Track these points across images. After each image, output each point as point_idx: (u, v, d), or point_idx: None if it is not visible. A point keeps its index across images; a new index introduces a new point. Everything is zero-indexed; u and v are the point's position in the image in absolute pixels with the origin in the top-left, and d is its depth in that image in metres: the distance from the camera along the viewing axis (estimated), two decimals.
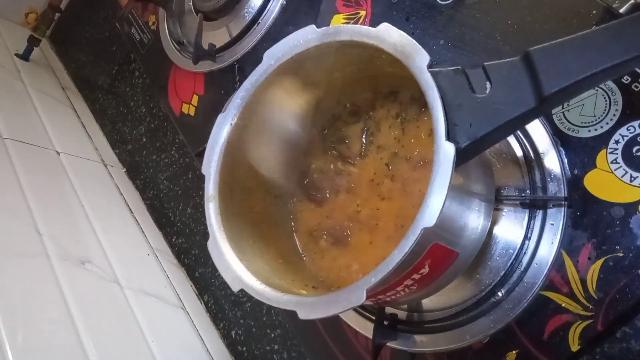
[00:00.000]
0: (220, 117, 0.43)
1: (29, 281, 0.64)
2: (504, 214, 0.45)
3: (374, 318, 0.50)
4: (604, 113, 0.43)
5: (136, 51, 0.87)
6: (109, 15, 1.12)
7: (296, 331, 0.63)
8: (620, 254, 0.40)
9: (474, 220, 0.38)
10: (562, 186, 0.44)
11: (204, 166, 0.42)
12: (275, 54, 0.41)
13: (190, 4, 0.77)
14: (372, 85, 0.45)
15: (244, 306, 0.76)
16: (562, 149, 0.44)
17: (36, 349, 0.57)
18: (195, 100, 0.76)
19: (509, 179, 0.46)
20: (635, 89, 0.42)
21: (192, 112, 0.76)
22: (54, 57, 1.21)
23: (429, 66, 0.32)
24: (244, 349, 0.74)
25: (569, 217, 0.43)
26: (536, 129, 0.46)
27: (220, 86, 0.73)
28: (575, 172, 0.43)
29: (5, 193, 0.74)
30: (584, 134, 0.44)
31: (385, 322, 0.47)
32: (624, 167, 0.41)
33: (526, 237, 0.44)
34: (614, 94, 0.43)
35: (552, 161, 0.45)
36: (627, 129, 0.41)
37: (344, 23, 0.61)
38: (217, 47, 0.72)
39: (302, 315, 0.32)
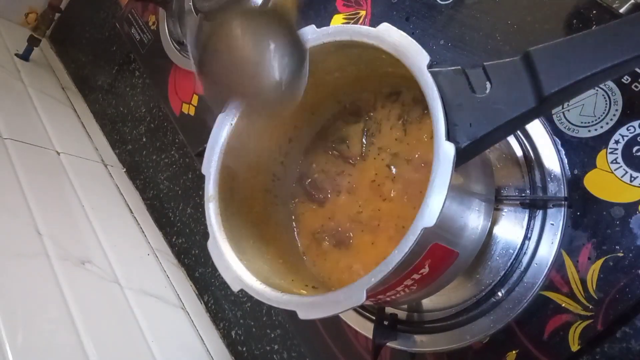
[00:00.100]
0: (220, 117, 0.43)
1: (29, 281, 0.64)
2: (504, 214, 0.45)
3: (374, 318, 0.50)
4: (604, 113, 0.43)
5: (136, 51, 0.87)
6: (109, 15, 1.12)
7: (296, 331, 0.63)
8: (620, 254, 0.40)
9: (474, 220, 0.38)
10: (562, 186, 0.44)
11: (204, 166, 0.42)
12: None
13: (190, 4, 0.77)
14: (372, 85, 0.45)
15: (244, 306, 0.76)
16: (562, 149, 0.44)
17: (36, 349, 0.57)
18: (195, 100, 0.76)
19: (509, 179, 0.46)
20: (635, 89, 0.42)
21: (192, 112, 0.76)
22: (54, 57, 1.22)
23: (429, 66, 0.32)
24: (244, 349, 0.74)
25: (569, 217, 0.43)
26: (536, 129, 0.46)
27: None
28: (575, 172, 0.43)
29: (5, 193, 0.74)
30: (584, 134, 0.44)
31: (385, 322, 0.47)
32: (624, 167, 0.41)
33: (526, 237, 0.44)
34: (614, 94, 0.43)
35: (552, 161, 0.45)
36: (627, 129, 0.41)
37: (344, 23, 0.61)
38: None
39: (302, 315, 0.32)
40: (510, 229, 0.45)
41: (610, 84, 0.43)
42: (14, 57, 1.08)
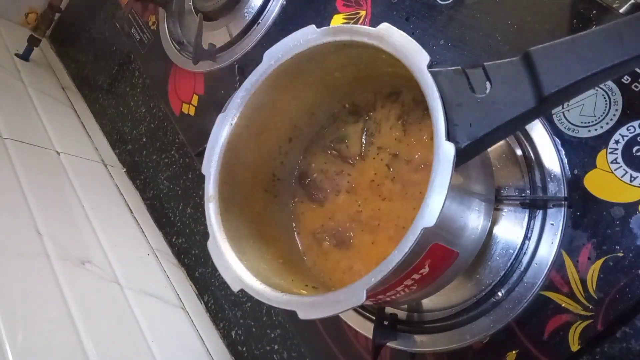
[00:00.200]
0: (220, 117, 0.43)
1: (29, 281, 0.64)
2: (504, 214, 0.45)
3: (374, 318, 0.50)
4: (604, 113, 0.43)
5: (136, 51, 0.87)
6: (109, 15, 1.12)
7: (296, 331, 0.63)
8: (620, 254, 0.40)
9: (474, 220, 0.38)
10: (562, 186, 0.44)
11: (204, 166, 0.42)
12: (275, 54, 0.41)
13: (190, 4, 0.77)
14: (372, 85, 0.45)
15: (244, 306, 0.76)
16: (562, 149, 0.44)
17: (36, 349, 0.57)
18: (195, 100, 0.76)
19: (509, 179, 0.46)
20: (635, 89, 0.42)
21: (192, 112, 0.76)
22: (54, 57, 1.22)
23: (429, 66, 0.32)
24: (244, 349, 0.74)
25: (569, 217, 0.43)
26: (536, 129, 0.46)
27: (220, 86, 0.73)
28: (575, 172, 0.43)
29: (5, 193, 0.74)
30: (584, 134, 0.44)
31: (385, 322, 0.47)
32: (624, 167, 0.41)
33: (526, 237, 0.44)
34: (614, 94, 0.43)
35: (552, 161, 0.45)
36: (627, 129, 0.41)
37: (344, 23, 0.61)
38: (217, 47, 0.72)
39: (302, 315, 0.32)
40: (510, 229, 0.45)
41: (610, 84, 0.43)
42: (14, 57, 1.08)
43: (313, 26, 0.39)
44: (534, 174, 0.45)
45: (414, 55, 0.33)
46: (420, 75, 0.32)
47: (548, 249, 0.43)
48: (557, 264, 0.42)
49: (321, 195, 0.47)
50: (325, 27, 0.38)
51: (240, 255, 0.38)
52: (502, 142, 0.48)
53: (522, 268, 0.44)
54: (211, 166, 0.41)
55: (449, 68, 0.32)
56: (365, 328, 0.51)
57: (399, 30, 0.34)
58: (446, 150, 0.30)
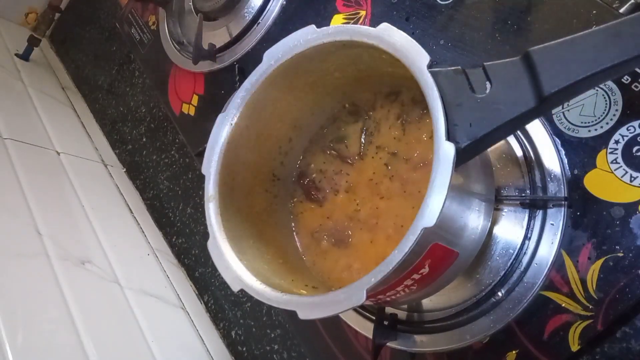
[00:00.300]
0: (220, 117, 0.43)
1: (29, 281, 0.64)
2: (504, 214, 0.45)
3: (374, 318, 0.50)
4: (604, 113, 0.43)
5: (136, 51, 0.87)
6: (109, 15, 1.12)
7: (296, 331, 0.63)
8: (620, 254, 0.40)
9: (474, 220, 0.38)
10: (562, 186, 0.44)
11: (204, 166, 0.42)
12: (275, 54, 0.41)
13: (190, 4, 0.77)
14: (372, 85, 0.45)
15: (244, 306, 0.76)
16: (562, 149, 0.44)
17: (36, 349, 0.57)
18: (195, 100, 0.76)
19: (509, 179, 0.46)
20: (635, 89, 0.42)
21: (192, 112, 0.76)
22: (54, 57, 1.22)
23: (429, 66, 0.32)
24: (244, 349, 0.74)
25: (569, 217, 0.43)
26: (536, 129, 0.46)
27: (220, 86, 0.73)
28: (575, 172, 0.43)
29: (5, 193, 0.74)
30: (584, 134, 0.44)
31: (385, 322, 0.47)
32: (624, 167, 0.41)
33: (526, 237, 0.44)
34: (614, 94, 0.43)
35: (552, 161, 0.45)
36: (627, 129, 0.41)
37: (344, 23, 0.61)
38: (217, 47, 0.72)
39: (302, 315, 0.32)
40: (510, 229, 0.45)
41: (610, 84, 0.43)
42: (14, 57, 1.08)
43: (313, 26, 0.39)
44: (534, 174, 0.45)
45: (414, 55, 0.33)
46: (420, 75, 0.32)
47: (548, 249, 0.43)
48: (557, 264, 0.42)
49: (320, 195, 0.47)
50: (325, 27, 0.38)
51: (240, 255, 0.38)
52: (502, 142, 0.48)
53: (522, 268, 0.44)
54: (211, 166, 0.41)
55: (449, 68, 0.32)
56: (365, 328, 0.51)
57: (399, 30, 0.34)
58: (446, 150, 0.30)
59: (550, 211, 0.44)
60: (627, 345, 0.39)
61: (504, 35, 0.49)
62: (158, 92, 0.82)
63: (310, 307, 0.33)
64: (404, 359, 0.49)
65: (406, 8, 0.57)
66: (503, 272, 0.44)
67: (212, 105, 0.74)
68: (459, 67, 0.32)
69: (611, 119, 0.42)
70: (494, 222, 0.45)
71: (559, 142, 0.45)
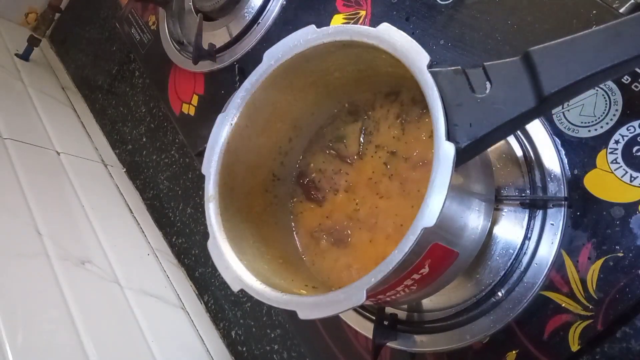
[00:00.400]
0: (220, 117, 0.43)
1: (29, 281, 0.64)
2: (504, 214, 0.45)
3: (374, 318, 0.50)
4: (604, 113, 0.43)
5: (136, 51, 0.87)
6: (109, 15, 1.12)
7: (296, 331, 0.63)
8: (620, 254, 0.40)
9: (474, 220, 0.38)
10: (562, 186, 0.44)
11: (204, 166, 0.42)
12: (275, 54, 0.41)
13: (190, 4, 0.77)
14: (372, 85, 0.45)
15: (244, 306, 0.76)
16: (562, 149, 0.44)
17: (36, 349, 0.57)
18: (195, 100, 0.76)
19: (509, 179, 0.46)
20: (635, 89, 0.42)
21: (192, 112, 0.76)
22: (54, 57, 1.21)
23: (429, 66, 0.32)
24: (244, 349, 0.74)
25: (569, 217, 0.43)
26: (536, 129, 0.46)
27: (220, 86, 0.73)
28: (575, 172, 0.43)
29: (5, 193, 0.74)
30: (584, 134, 0.44)
31: (385, 322, 0.47)
32: (624, 167, 0.41)
33: (526, 237, 0.44)
34: (614, 94, 0.43)
35: (552, 161, 0.45)
36: (627, 129, 0.41)
37: (344, 23, 0.61)
38: (217, 47, 0.72)
39: (302, 315, 0.32)
40: (510, 229, 0.45)
41: (610, 84, 0.43)
42: (14, 57, 1.08)
43: (313, 26, 0.39)
44: (534, 174, 0.45)
45: (414, 55, 0.33)
46: (420, 75, 0.32)
47: (548, 249, 0.43)
48: (557, 264, 0.42)
49: (320, 194, 0.47)
50: (325, 27, 0.38)
51: (240, 255, 0.38)
52: (502, 142, 0.48)
53: (522, 268, 0.44)
54: (211, 166, 0.41)
55: (449, 68, 0.32)
56: (365, 328, 0.51)
57: (399, 30, 0.34)
58: (446, 150, 0.30)
59: (550, 211, 0.44)
60: (627, 345, 0.39)
61: (504, 35, 0.49)
62: (158, 92, 0.82)
63: (310, 307, 0.33)
64: (404, 359, 0.49)
65: (406, 8, 0.57)
66: (503, 272, 0.44)
67: (212, 105, 0.74)
68: (459, 67, 0.32)
69: (611, 119, 0.42)
70: (494, 222, 0.45)
71: (559, 142, 0.45)
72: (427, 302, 0.48)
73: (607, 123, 0.42)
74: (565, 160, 0.44)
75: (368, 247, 0.42)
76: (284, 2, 0.68)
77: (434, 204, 0.29)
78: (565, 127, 0.45)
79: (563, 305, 0.41)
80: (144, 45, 0.85)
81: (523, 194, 0.45)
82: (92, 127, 1.06)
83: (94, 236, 0.78)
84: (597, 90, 0.43)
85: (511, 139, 0.47)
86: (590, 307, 0.40)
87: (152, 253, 0.83)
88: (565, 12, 0.46)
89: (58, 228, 0.74)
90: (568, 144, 0.44)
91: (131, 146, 1.01)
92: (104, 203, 0.87)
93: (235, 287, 0.37)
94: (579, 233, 0.42)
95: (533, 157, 0.46)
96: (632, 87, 0.42)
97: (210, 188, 0.41)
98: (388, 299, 0.37)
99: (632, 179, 0.40)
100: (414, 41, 0.33)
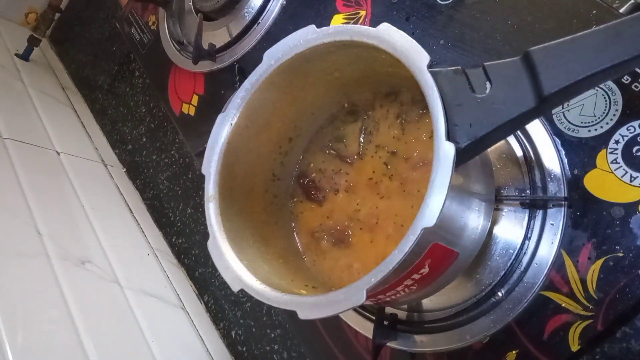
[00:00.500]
0: (220, 117, 0.43)
1: (29, 281, 0.64)
2: (504, 214, 0.45)
3: (374, 318, 0.50)
4: (604, 113, 0.43)
5: (136, 51, 0.87)
6: (109, 15, 1.12)
7: (296, 331, 0.63)
8: (620, 254, 0.40)
9: (474, 220, 0.38)
10: (562, 186, 0.44)
11: (204, 166, 0.42)
12: (275, 54, 0.41)
13: (190, 4, 0.77)
14: (372, 85, 0.45)
15: (244, 306, 0.76)
16: (562, 149, 0.44)
17: (36, 349, 0.57)
18: (195, 100, 0.76)
19: (509, 179, 0.46)
20: (635, 89, 0.42)
21: (192, 112, 0.76)
22: (54, 57, 1.21)
23: (429, 66, 0.32)
24: (244, 349, 0.74)
25: (569, 217, 0.43)
26: (536, 129, 0.46)
27: (220, 86, 0.73)
28: (575, 172, 0.43)
29: (5, 193, 0.74)
30: (584, 134, 0.44)
31: (385, 322, 0.47)
32: (624, 167, 0.41)
33: (526, 237, 0.44)
34: (614, 94, 0.43)
35: (552, 161, 0.45)
36: (627, 129, 0.41)
37: (344, 23, 0.61)
38: (217, 47, 0.72)
39: (302, 315, 0.32)
40: (510, 229, 0.45)
41: (610, 84, 0.43)
42: (14, 57, 1.08)
43: (313, 26, 0.39)
44: (534, 174, 0.45)
45: (414, 55, 0.33)
46: (420, 75, 0.32)
47: (548, 249, 0.43)
48: (557, 264, 0.42)
49: (320, 194, 0.47)
50: (325, 27, 0.38)
51: (240, 255, 0.38)
52: (502, 142, 0.48)
53: (522, 268, 0.44)
54: (211, 166, 0.41)
55: (449, 68, 0.32)
56: (365, 328, 0.51)
57: (399, 30, 0.34)
58: (446, 150, 0.30)
59: (550, 211, 0.44)
60: (627, 345, 0.39)
61: (504, 35, 0.49)
62: (158, 92, 0.82)
63: (310, 307, 0.33)
64: (404, 359, 0.49)
65: (406, 8, 0.57)
66: (503, 272, 0.44)
67: (212, 105, 0.74)
68: (459, 67, 0.32)
69: (611, 119, 0.42)
70: (494, 222, 0.45)
71: (559, 142, 0.45)
72: (427, 302, 0.48)
73: (607, 123, 0.42)
74: (565, 160, 0.44)
75: (369, 247, 0.42)
76: (284, 2, 0.68)
77: (434, 204, 0.29)
78: (565, 127, 0.45)
79: (563, 305, 0.41)
80: (144, 45, 0.85)
81: (523, 194, 0.45)
82: (92, 127, 1.06)
83: (94, 236, 0.78)
84: (597, 90, 0.43)
85: (511, 139, 0.47)
86: (590, 307, 0.40)
87: (152, 253, 0.83)
88: (565, 12, 0.46)
89: (58, 228, 0.74)
90: (568, 144, 0.44)
91: (131, 146, 1.01)
92: (104, 203, 0.87)
93: (235, 287, 0.37)
94: (579, 233, 0.42)
95: (533, 157, 0.46)
96: (632, 87, 0.42)
97: (210, 188, 0.41)
98: (388, 299, 0.37)
99: (632, 179, 0.40)
100: (414, 41, 0.33)
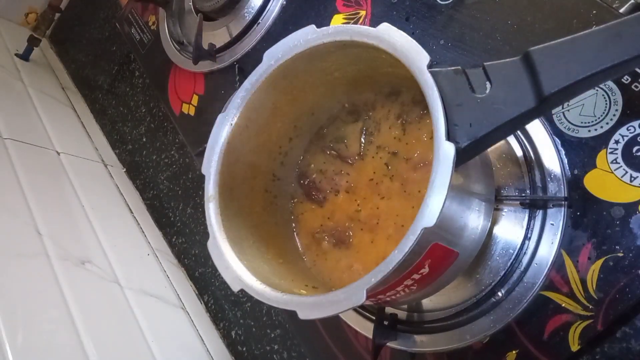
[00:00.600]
0: (220, 117, 0.43)
1: (29, 281, 0.64)
2: (504, 214, 0.45)
3: (374, 318, 0.50)
4: (604, 113, 0.43)
5: (136, 51, 0.87)
6: (109, 15, 1.12)
7: (296, 331, 0.63)
8: (620, 254, 0.40)
9: (474, 220, 0.38)
10: (562, 186, 0.44)
11: (204, 166, 0.42)
12: (275, 54, 0.41)
13: (190, 4, 0.77)
14: (372, 85, 0.45)
15: (244, 306, 0.76)
16: (562, 149, 0.44)
17: (36, 349, 0.57)
18: (195, 100, 0.76)
19: (509, 179, 0.46)
20: (635, 89, 0.42)
21: (192, 112, 0.76)
22: (54, 57, 1.21)
23: (429, 66, 0.32)
24: (244, 349, 0.74)
25: (569, 217, 0.43)
26: (536, 129, 0.46)
27: (220, 86, 0.73)
28: (575, 172, 0.43)
29: (5, 193, 0.74)
30: (584, 134, 0.44)
31: (385, 322, 0.47)
32: (624, 167, 0.41)
33: (526, 237, 0.44)
34: (614, 94, 0.43)
35: (552, 161, 0.45)
36: (627, 129, 0.41)
37: (344, 23, 0.61)
38: (217, 47, 0.72)
39: (302, 315, 0.32)
40: (510, 229, 0.45)
41: (610, 84, 0.43)
42: (14, 57, 1.08)
43: (313, 26, 0.39)
44: (534, 174, 0.45)
45: (414, 55, 0.33)
46: (420, 75, 0.32)
47: (548, 249, 0.43)
48: (557, 264, 0.42)
49: (320, 195, 0.47)
50: (325, 27, 0.38)
51: (240, 255, 0.38)
52: (502, 142, 0.48)
53: (522, 268, 0.44)
54: (211, 166, 0.41)
55: (449, 68, 0.32)
56: (365, 328, 0.51)
57: (399, 30, 0.34)
58: (446, 150, 0.30)
59: (550, 211, 0.44)
60: (627, 345, 0.39)
61: (504, 35, 0.49)
62: (158, 92, 0.82)
63: (310, 307, 0.33)
64: (404, 359, 0.49)
65: (406, 8, 0.57)
66: (503, 272, 0.44)
67: (212, 105, 0.74)
68: (459, 67, 0.32)
69: (611, 119, 0.42)
70: (494, 222, 0.45)
71: (559, 142, 0.45)
72: (427, 302, 0.48)
73: (607, 123, 0.42)
74: (565, 160, 0.44)
75: (369, 247, 0.42)
76: (284, 2, 0.68)
77: (434, 204, 0.29)
78: (565, 127, 0.45)
79: (563, 305, 0.41)
80: (144, 45, 0.85)
81: (523, 194, 0.45)
82: (92, 127, 1.06)
83: (94, 236, 0.78)
84: (597, 90, 0.43)
85: (511, 139, 0.47)
86: (590, 307, 0.40)
87: (152, 253, 0.84)
88: (565, 12, 0.46)
89: (58, 228, 0.74)
90: (568, 144, 0.44)
91: (131, 146, 1.01)
92: (104, 203, 0.87)
93: (235, 287, 0.37)
94: (579, 233, 0.42)
95: (533, 157, 0.46)
96: (632, 87, 0.42)
97: (210, 188, 0.41)
98: (388, 299, 0.37)
99: (632, 179, 0.40)
100: (414, 41, 0.33)
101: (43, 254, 0.68)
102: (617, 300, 0.39)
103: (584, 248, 0.41)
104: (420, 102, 0.42)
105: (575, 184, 0.43)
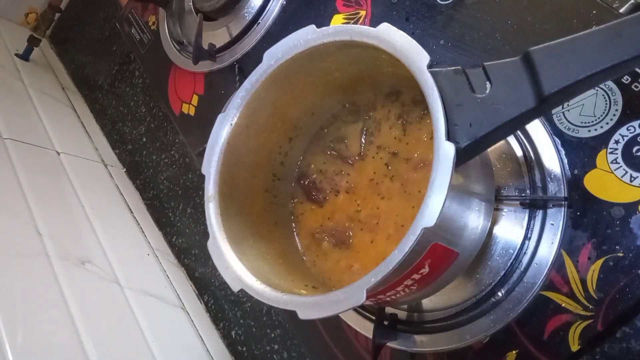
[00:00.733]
0: (220, 117, 0.43)
1: (29, 281, 0.64)
2: (504, 214, 0.45)
3: (374, 318, 0.50)
4: (604, 113, 0.43)
5: (136, 51, 0.87)
6: (109, 15, 1.12)
7: (296, 331, 0.63)
8: (620, 254, 0.40)
9: (474, 220, 0.38)
10: (562, 186, 0.44)
11: (204, 166, 0.42)
12: (275, 54, 0.41)
13: (190, 4, 0.77)
14: (372, 85, 0.45)
15: (244, 306, 0.76)
16: (562, 149, 0.44)
17: (36, 349, 0.57)
18: (195, 100, 0.76)
19: (509, 179, 0.46)
20: (635, 89, 0.42)
21: (192, 112, 0.76)
22: (54, 57, 1.22)
23: (429, 66, 0.32)
24: (244, 349, 0.74)
25: (569, 217, 0.43)
26: (536, 129, 0.46)
27: (220, 86, 0.73)
28: (575, 172, 0.43)
29: (5, 193, 0.74)
30: (584, 134, 0.44)
31: (385, 322, 0.47)
32: (624, 167, 0.41)
33: (526, 237, 0.44)
34: (614, 94, 0.43)
35: (552, 161, 0.45)
36: (627, 129, 0.41)
37: (344, 23, 0.61)
38: (217, 47, 0.72)
39: (302, 315, 0.32)
40: (510, 229, 0.45)
41: (610, 84, 0.43)
42: (14, 57, 1.08)
43: (313, 26, 0.39)
44: (534, 174, 0.45)
45: (414, 55, 0.33)
46: (420, 75, 0.32)
47: (548, 249, 0.43)
48: (557, 264, 0.42)
49: (320, 195, 0.47)
50: (325, 27, 0.38)
51: (240, 255, 0.38)
52: (502, 142, 0.48)
53: (522, 268, 0.44)
54: (211, 166, 0.41)
55: (449, 68, 0.32)
56: (365, 328, 0.51)
57: (399, 30, 0.34)
58: (446, 150, 0.30)
59: (550, 211, 0.44)
60: (627, 345, 0.39)
61: (504, 35, 0.49)
62: (158, 92, 0.82)
63: (310, 307, 0.33)
64: (404, 359, 0.49)
65: (406, 8, 0.57)
66: (503, 272, 0.44)
67: (212, 105, 0.74)
68: (459, 67, 0.32)
69: (611, 119, 0.42)
70: (494, 222, 0.45)
71: (559, 142, 0.45)
72: (427, 302, 0.48)
73: (607, 123, 0.42)
74: (565, 160, 0.44)
75: (369, 248, 0.42)
76: (284, 2, 0.68)
77: (434, 204, 0.29)
78: (565, 127, 0.45)
79: (563, 305, 0.41)
80: (144, 45, 0.85)
81: (523, 194, 0.45)
82: (92, 127, 1.06)
83: (94, 236, 0.78)
84: (597, 90, 0.43)
85: (511, 139, 0.47)
86: (590, 307, 0.40)
87: (152, 253, 0.84)
88: (565, 12, 0.46)
89: (58, 228, 0.74)
90: (568, 144, 0.44)
91: (131, 146, 1.01)
92: (104, 203, 0.87)
93: (235, 287, 0.37)
94: (579, 233, 0.42)
95: (533, 157, 0.46)
96: (632, 87, 0.42)
97: (210, 188, 0.41)
98: (388, 299, 0.37)
99: (632, 179, 0.40)
100: (414, 41, 0.33)
101: (43, 254, 0.68)
102: (617, 300, 0.39)
103: (584, 248, 0.41)
104: (421, 102, 0.42)
105: (575, 184, 0.43)
